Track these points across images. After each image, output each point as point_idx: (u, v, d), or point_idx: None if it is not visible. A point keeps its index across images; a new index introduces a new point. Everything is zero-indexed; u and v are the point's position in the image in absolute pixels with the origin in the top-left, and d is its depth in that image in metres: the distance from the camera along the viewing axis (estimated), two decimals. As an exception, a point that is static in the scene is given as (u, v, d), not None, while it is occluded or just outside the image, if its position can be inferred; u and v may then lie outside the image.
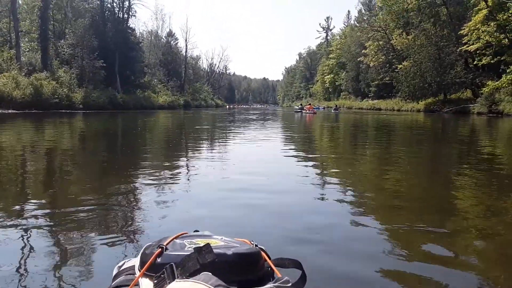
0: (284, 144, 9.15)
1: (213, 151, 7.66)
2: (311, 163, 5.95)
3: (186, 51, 68.13)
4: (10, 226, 2.55)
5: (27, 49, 32.69)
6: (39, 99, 24.42)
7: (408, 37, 39.96)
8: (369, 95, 53.91)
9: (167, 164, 5.64)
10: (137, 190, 3.77)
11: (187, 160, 6.14)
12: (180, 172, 4.91)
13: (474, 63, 30.21)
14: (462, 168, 5.47)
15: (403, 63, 37.30)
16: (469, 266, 2.08)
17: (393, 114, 32.40)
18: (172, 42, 66.42)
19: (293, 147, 8.61)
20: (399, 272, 1.99)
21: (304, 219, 2.90)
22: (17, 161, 5.81)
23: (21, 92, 23.67)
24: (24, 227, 2.55)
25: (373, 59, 49.16)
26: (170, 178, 4.42)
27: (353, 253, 2.25)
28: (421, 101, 35.18)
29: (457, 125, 18.45)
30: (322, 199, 3.63)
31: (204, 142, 9.55)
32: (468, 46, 29.57)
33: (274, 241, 2.33)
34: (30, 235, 2.40)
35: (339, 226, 2.77)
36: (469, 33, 28.69)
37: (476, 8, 29.19)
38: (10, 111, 22.12)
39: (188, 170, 5.15)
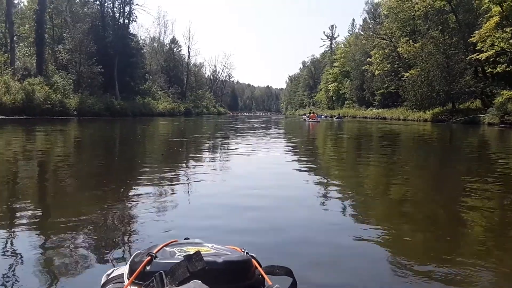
0: (287, 155, 8.63)
1: (210, 161, 7.12)
2: (314, 175, 5.62)
3: (188, 58, 67.48)
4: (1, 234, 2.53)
5: (24, 54, 31.88)
6: (30, 105, 23.41)
7: (415, 45, 38.92)
8: (374, 104, 52.78)
9: (159, 175, 5.20)
10: (128, 200, 3.69)
11: (180, 172, 5.66)
12: (174, 183, 4.59)
13: (488, 71, 29.04)
14: (473, 182, 5.14)
15: (410, 72, 36.21)
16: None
17: (399, 123, 31.32)
18: (175, 49, 65.78)
19: (295, 158, 8.13)
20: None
21: (305, 233, 2.80)
22: (5, 169, 5.50)
23: (11, 97, 22.69)
24: (14, 235, 2.53)
25: (378, 67, 48.11)
26: (162, 188, 4.27)
27: (356, 271, 2.14)
28: (429, 110, 34.02)
29: (467, 136, 17.62)
30: (325, 210, 3.54)
31: (196, 153, 8.76)
32: (478, 54, 28.48)
33: (268, 251, 2.28)
34: (18, 244, 2.36)
35: (341, 240, 2.66)
36: (480, 40, 27.56)
37: (487, 15, 28.16)
38: (-1, 117, 21.14)
39: (181, 181, 4.88)
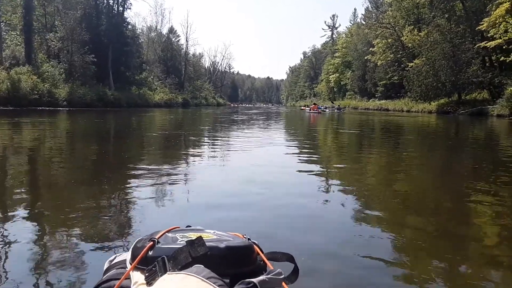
0: (287, 148, 8.04)
1: (208, 155, 6.61)
2: (315, 168, 5.34)
3: (186, 48, 66.05)
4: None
5: (15, 43, 30.60)
6: (16, 95, 22.26)
7: (419, 33, 37.62)
8: (376, 95, 51.47)
9: (154, 169, 4.93)
10: (127, 191, 3.65)
11: (176, 168, 5.16)
12: (172, 175, 4.43)
13: (500, 59, 27.63)
14: (480, 176, 4.91)
15: (415, 61, 34.90)
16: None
17: (402, 115, 30.21)
18: (173, 39, 64.35)
19: (296, 151, 7.67)
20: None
21: (308, 224, 2.78)
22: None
23: (-5, 87, 21.56)
24: (12, 228, 2.48)
25: (381, 57, 46.75)
26: (160, 179, 4.19)
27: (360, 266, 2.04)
28: (434, 101, 32.80)
29: (475, 128, 16.66)
30: (325, 203, 3.42)
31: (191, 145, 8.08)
32: (487, 43, 27.20)
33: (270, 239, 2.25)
34: (18, 236, 2.32)
35: (345, 237, 2.52)
36: (492, 27, 26.24)
37: (497, 1, 26.80)
38: (-18, 107, 20.03)
39: (178, 174, 4.60)
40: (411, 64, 35.40)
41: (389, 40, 46.02)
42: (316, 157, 6.75)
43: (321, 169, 5.38)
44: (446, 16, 34.00)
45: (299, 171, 4.98)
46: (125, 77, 40.01)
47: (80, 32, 33.17)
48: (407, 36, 39.83)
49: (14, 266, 1.95)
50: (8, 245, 2.21)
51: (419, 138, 11.89)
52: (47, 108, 23.25)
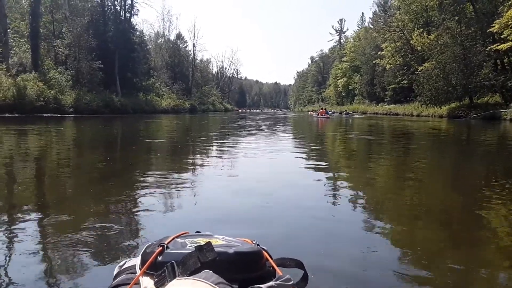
0: (294, 155, 7.63)
1: (216, 162, 6.43)
2: (323, 176, 5.12)
3: (194, 54, 66.07)
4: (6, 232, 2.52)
5: (24, 50, 30.68)
6: (22, 102, 22.15)
7: (429, 36, 37.01)
8: (385, 100, 50.85)
9: (159, 178, 4.73)
10: (134, 198, 3.60)
11: (184, 175, 5.04)
12: (179, 183, 4.36)
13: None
14: (493, 183, 4.71)
15: (424, 65, 34.31)
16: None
17: (412, 119, 29.60)
18: (180, 45, 64.45)
19: (304, 156, 7.46)
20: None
21: (317, 231, 2.70)
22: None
23: (1, 94, 21.46)
24: (22, 234, 2.48)
25: (389, 61, 46.21)
26: (168, 187, 4.13)
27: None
28: (444, 106, 32.16)
29: (487, 132, 16.02)
30: (333, 205, 3.48)
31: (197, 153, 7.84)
32: (499, 45, 26.59)
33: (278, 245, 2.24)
34: (26, 241, 2.35)
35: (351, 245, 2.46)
36: (501, 30, 25.68)
37: (509, 2, 26.26)
38: (-13, 115, 19.92)
39: (187, 180, 4.54)
40: (421, 67, 34.84)
41: (398, 44, 45.48)
42: (324, 164, 6.46)
43: (330, 177, 5.14)
44: (456, 18, 33.42)
45: (307, 178, 4.83)
46: (132, 83, 39.96)
47: (87, 38, 33.19)
48: (416, 39, 39.25)
49: (19, 272, 1.95)
50: (13, 251, 2.22)
51: (431, 143, 11.46)
52: (53, 115, 23.13)
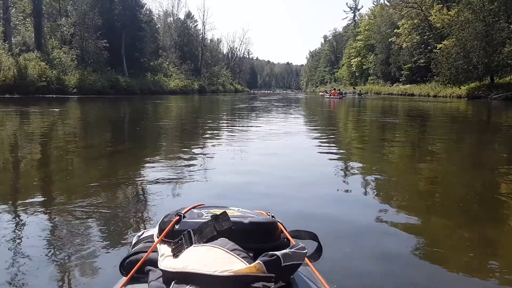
0: (305, 138, 7.39)
1: (225, 144, 6.21)
2: (335, 159, 5.02)
3: (203, 33, 64.64)
4: (16, 211, 2.58)
5: (27, 29, 29.88)
6: (23, 82, 21.48)
7: (449, 12, 35.06)
8: (400, 80, 49.01)
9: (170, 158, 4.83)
10: (146, 177, 3.62)
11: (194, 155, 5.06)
12: (189, 162, 4.38)
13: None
14: None
15: (444, 42, 32.56)
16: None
17: (428, 100, 28.30)
18: (190, 24, 63.04)
19: (316, 139, 7.25)
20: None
21: (326, 211, 2.71)
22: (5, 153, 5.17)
23: (1, 74, 20.79)
24: (35, 216, 2.48)
25: (406, 39, 44.22)
26: (177, 165, 4.19)
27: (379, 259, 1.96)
28: (464, 85, 30.60)
29: (510, 114, 15.04)
30: (346, 194, 3.27)
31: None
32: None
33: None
34: (37, 224, 2.32)
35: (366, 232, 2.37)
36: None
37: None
38: (-14, 95, 19.32)
39: (197, 159, 4.66)
40: (440, 45, 33.10)
41: (415, 21, 43.44)
42: (335, 148, 6.08)
43: (342, 160, 5.00)
44: (479, -7, 31.48)
45: (318, 163, 4.68)
46: (140, 63, 39.09)
47: (93, 16, 32.28)
48: (435, 16, 37.24)
49: (31, 253, 1.92)
50: (24, 234, 2.21)
51: (451, 125, 10.67)
52: (55, 96, 22.48)
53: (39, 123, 9.04)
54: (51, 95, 22.47)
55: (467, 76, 29.29)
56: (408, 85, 44.33)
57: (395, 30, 47.43)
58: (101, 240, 2.09)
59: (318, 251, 0.93)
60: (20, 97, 20.03)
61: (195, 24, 65.03)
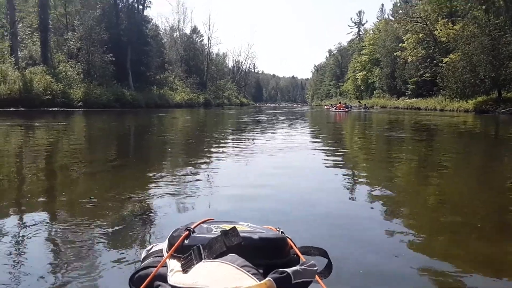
0: (311, 152, 7.21)
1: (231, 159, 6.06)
2: (342, 174, 4.94)
3: (209, 47, 65.12)
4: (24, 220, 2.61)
5: (34, 43, 30.17)
6: (29, 96, 21.52)
7: (454, 27, 35.01)
8: (406, 93, 48.83)
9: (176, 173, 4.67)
10: (154, 189, 3.65)
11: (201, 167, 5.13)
12: (196, 175, 4.35)
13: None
14: None
15: (449, 56, 32.41)
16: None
17: (435, 114, 27.97)
18: (196, 39, 63.56)
19: (323, 150, 7.47)
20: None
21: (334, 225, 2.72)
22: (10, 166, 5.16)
23: (7, 87, 20.85)
24: (36, 223, 2.54)
25: (411, 53, 44.15)
26: (183, 179, 4.16)
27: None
28: (471, 100, 30.30)
29: None
30: (355, 210, 3.17)
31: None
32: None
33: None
34: (41, 239, 2.28)
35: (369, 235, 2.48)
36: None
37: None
38: (-9, 109, 19.33)
39: (204, 172, 4.65)
40: (446, 59, 32.94)
41: (420, 35, 43.46)
42: (342, 163, 5.93)
43: (349, 176, 4.89)
44: (484, 7, 31.39)
45: (326, 178, 4.57)
46: (146, 77, 39.25)
47: (99, 31, 32.55)
48: (441, 30, 37.22)
49: (33, 269, 1.88)
50: (27, 250, 2.15)
51: (459, 140, 10.44)
52: (61, 109, 22.48)
53: (44, 137, 8.96)
54: (56, 109, 22.47)
55: (474, 90, 29.03)
56: (414, 99, 44.08)
57: (400, 44, 47.44)
58: (108, 254, 2.06)
59: (328, 268, 0.91)
60: (25, 111, 20.04)
61: (201, 38, 65.65)
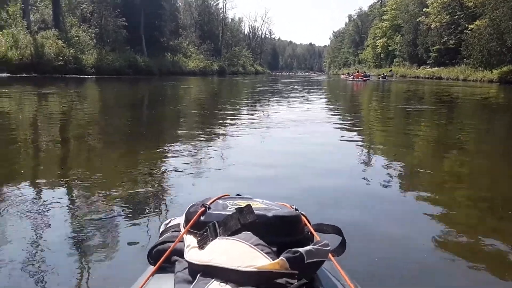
0: (328, 128, 6.95)
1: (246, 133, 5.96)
2: (359, 149, 4.94)
3: (224, 12, 63.41)
4: (34, 199, 2.54)
5: (44, 5, 29.65)
6: (40, 61, 21.29)
7: (483, -10, 32.99)
8: (428, 62, 46.94)
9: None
10: (171, 162, 3.70)
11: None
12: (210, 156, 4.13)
13: None
14: None
15: (476, 23, 30.75)
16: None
17: (457, 84, 26.88)
18: (211, 2, 61.88)
19: (339, 119, 7.64)
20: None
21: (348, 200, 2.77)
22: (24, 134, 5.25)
23: (18, 52, 20.63)
24: (54, 193, 2.63)
25: (435, 19, 42.04)
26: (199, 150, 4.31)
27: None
28: (496, 69, 28.91)
29: None
30: (367, 184, 3.21)
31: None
32: None
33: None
34: (59, 215, 2.28)
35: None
36: None
37: None
38: (3, 74, 19.20)
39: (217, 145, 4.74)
40: (472, 26, 31.31)
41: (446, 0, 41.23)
42: (359, 138, 5.84)
43: (365, 150, 4.97)
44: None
45: (341, 153, 4.64)
46: (159, 43, 38.51)
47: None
48: (468, -6, 35.16)
49: (53, 244, 1.90)
50: (45, 223, 2.16)
51: (481, 114, 10.01)
52: (73, 76, 22.26)
53: (57, 107, 8.92)
54: (68, 75, 22.25)
55: (500, 59, 27.66)
56: (436, 68, 42.45)
57: (423, 9, 45.16)
58: (125, 229, 2.09)
59: (342, 245, 0.91)
60: (37, 77, 19.89)
61: (216, 2, 63.86)
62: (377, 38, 68.43)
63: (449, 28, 40.71)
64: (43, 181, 3.04)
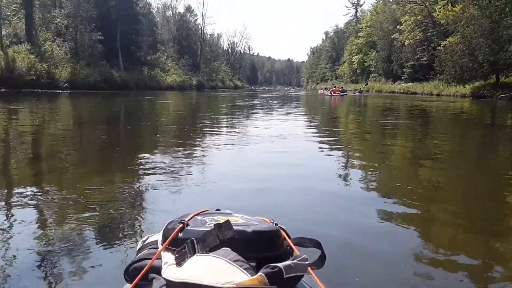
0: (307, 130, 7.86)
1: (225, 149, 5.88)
2: (337, 162, 5.03)
3: (203, 27, 63.63)
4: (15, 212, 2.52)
5: (17, 19, 28.87)
6: (11, 76, 20.62)
7: (454, 9, 34.11)
8: (402, 77, 48.02)
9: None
10: (146, 178, 3.60)
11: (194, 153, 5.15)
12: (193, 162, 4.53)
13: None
14: None
15: (448, 39, 31.65)
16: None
17: (431, 99, 27.51)
18: (190, 18, 62.00)
19: (316, 133, 7.75)
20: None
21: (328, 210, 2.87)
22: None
23: (-13, 67, 19.96)
24: (25, 210, 2.56)
25: (409, 36, 43.20)
26: (177, 165, 4.30)
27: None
28: (468, 84, 29.71)
29: None
30: (350, 199, 3.24)
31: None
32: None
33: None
34: (32, 230, 2.26)
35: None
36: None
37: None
38: (-29, 90, 18.47)
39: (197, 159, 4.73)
40: (444, 42, 32.19)
41: (419, 17, 42.50)
42: (338, 151, 5.96)
43: (344, 164, 5.00)
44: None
45: (320, 166, 4.67)
46: (136, 57, 38.18)
47: (88, 8, 31.34)
48: (440, 12, 36.26)
49: (26, 258, 1.88)
50: (19, 238, 2.12)
51: (455, 127, 10.17)
52: (45, 91, 21.61)
53: (28, 122, 8.62)
54: (40, 90, 21.60)
55: (472, 74, 28.42)
56: (410, 83, 43.43)
57: (397, 27, 46.43)
58: (102, 246, 2.06)
59: (322, 259, 0.91)
60: (7, 92, 19.21)
61: (195, 18, 64.10)
62: (353, 54, 69.82)
63: (423, 45, 41.83)
64: (11, 200, 2.87)
